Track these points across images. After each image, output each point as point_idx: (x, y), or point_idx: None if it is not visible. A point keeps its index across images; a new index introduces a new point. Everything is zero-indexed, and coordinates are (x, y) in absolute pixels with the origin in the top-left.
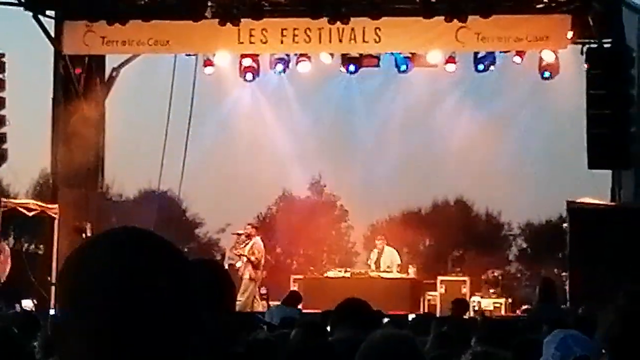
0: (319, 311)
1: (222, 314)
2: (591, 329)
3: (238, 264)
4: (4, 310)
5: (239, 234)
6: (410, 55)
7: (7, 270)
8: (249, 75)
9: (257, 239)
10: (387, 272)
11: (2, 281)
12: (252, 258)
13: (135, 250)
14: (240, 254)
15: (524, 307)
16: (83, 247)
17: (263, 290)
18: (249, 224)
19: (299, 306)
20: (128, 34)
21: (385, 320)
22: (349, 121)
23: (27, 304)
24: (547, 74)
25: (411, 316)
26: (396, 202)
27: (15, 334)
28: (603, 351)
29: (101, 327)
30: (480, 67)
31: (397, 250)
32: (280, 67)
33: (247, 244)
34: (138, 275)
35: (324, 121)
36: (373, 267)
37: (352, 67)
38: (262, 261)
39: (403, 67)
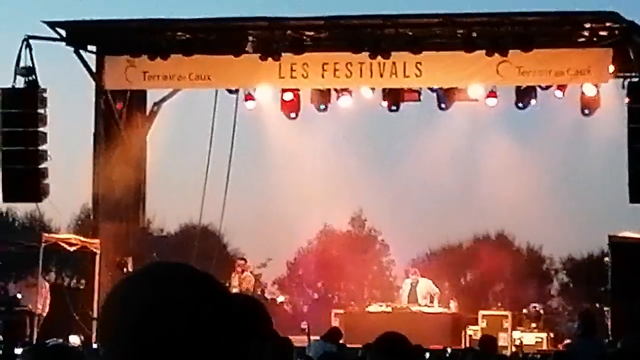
0: (360, 346)
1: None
2: None
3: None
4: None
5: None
6: (450, 88)
7: (48, 305)
8: (292, 114)
9: (248, 273)
10: (428, 306)
11: (43, 315)
12: (238, 290)
13: (170, 284)
14: (230, 284)
15: (566, 341)
16: (119, 283)
17: (304, 325)
18: (239, 258)
19: (340, 341)
20: (169, 68)
21: (427, 355)
22: (389, 155)
23: (74, 340)
24: (587, 111)
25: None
26: (437, 237)
27: None
28: None
29: None
30: (521, 105)
31: (432, 282)
32: (321, 101)
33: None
34: (172, 309)
35: (364, 155)
36: (406, 299)
37: (394, 107)
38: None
39: (443, 105)
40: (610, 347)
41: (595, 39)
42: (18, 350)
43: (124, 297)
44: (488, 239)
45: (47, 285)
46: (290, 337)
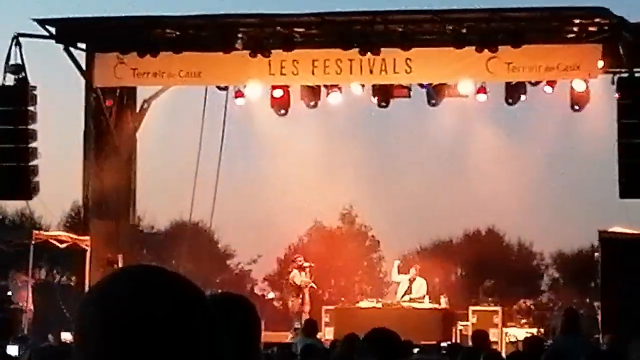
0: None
1: (249, 351)
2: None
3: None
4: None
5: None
6: (440, 85)
7: (31, 302)
8: (282, 111)
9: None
10: (418, 302)
11: (32, 311)
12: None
13: (137, 289)
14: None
15: None
16: (88, 291)
17: (297, 325)
18: (296, 255)
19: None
20: (159, 65)
21: (416, 350)
22: (379, 151)
23: (67, 336)
24: (576, 107)
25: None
26: (428, 233)
27: None
28: None
29: None
30: (510, 100)
31: (427, 282)
32: (311, 97)
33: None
34: (135, 312)
35: (354, 151)
36: (401, 294)
37: (383, 103)
38: None
39: (433, 101)
40: (592, 343)
41: (584, 34)
42: (12, 347)
43: (87, 305)
44: (479, 234)
45: (30, 281)
46: (280, 333)
